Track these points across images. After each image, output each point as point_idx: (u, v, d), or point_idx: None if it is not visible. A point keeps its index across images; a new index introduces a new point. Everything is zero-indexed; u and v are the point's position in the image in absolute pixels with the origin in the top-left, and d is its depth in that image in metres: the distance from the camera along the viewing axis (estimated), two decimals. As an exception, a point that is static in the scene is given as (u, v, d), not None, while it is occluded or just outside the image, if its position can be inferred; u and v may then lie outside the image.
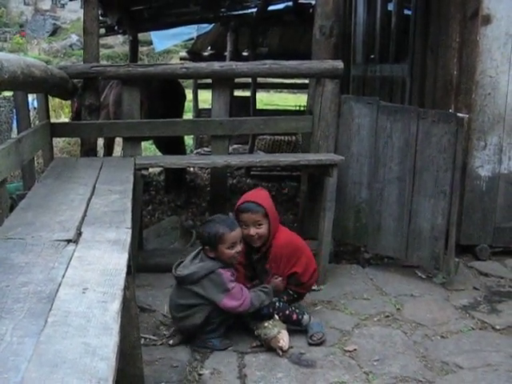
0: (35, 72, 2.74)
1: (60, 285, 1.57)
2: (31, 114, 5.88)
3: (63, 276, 1.64)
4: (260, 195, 3.44)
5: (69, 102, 8.68)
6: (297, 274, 3.39)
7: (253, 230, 3.30)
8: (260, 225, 3.31)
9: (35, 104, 6.87)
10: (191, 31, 11.40)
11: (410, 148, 4.11)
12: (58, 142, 9.28)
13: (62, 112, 12.69)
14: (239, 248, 3.20)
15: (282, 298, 3.36)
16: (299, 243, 3.51)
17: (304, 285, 3.47)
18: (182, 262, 3.27)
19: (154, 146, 8.79)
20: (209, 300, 3.10)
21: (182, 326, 3.23)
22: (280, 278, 3.36)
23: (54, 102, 11.25)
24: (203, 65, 4.40)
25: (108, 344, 1.24)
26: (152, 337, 3.27)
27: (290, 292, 3.44)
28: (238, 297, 3.12)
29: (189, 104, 10.14)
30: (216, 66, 4.30)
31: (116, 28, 9.56)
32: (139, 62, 11.43)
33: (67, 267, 1.71)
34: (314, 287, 3.66)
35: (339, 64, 4.26)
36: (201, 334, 3.18)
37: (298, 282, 3.43)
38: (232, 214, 4.82)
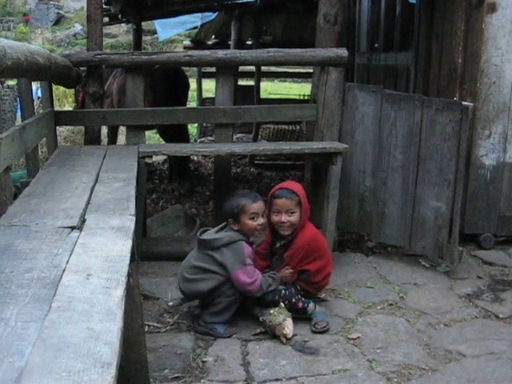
0: (39, 59, 2.73)
1: (64, 271, 1.58)
2: (35, 103, 5.88)
3: (67, 262, 1.64)
4: (295, 185, 3.49)
5: (73, 91, 8.66)
6: (309, 271, 3.40)
7: (284, 217, 3.33)
8: (292, 213, 3.34)
9: (39, 93, 6.86)
10: (195, 20, 11.34)
11: (414, 136, 4.10)
12: (62, 131, 9.28)
13: (66, 101, 12.67)
14: (261, 221, 3.25)
15: (289, 288, 3.36)
16: (323, 244, 3.53)
17: (314, 284, 3.47)
18: (207, 230, 3.33)
19: (158, 135, 8.79)
20: (224, 268, 3.13)
21: (186, 289, 3.25)
22: (291, 270, 3.37)
23: (58, 91, 11.23)
24: (207, 53, 4.38)
25: (112, 329, 1.24)
26: (156, 324, 3.28)
27: (298, 287, 3.43)
28: (251, 274, 3.15)
29: (192, 93, 10.12)
30: (220, 53, 4.29)
31: (119, 16, 9.53)
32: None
33: (71, 254, 1.71)
34: (319, 295, 3.64)
35: (344, 52, 4.25)
36: (205, 316, 3.20)
37: (309, 280, 3.44)
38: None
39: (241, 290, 3.17)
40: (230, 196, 3.41)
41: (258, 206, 3.25)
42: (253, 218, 3.22)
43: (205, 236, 3.26)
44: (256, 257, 3.39)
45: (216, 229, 3.33)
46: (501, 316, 3.48)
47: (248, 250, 3.19)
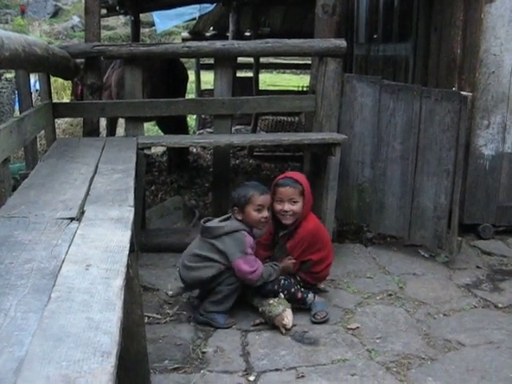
0: (37, 50, 2.73)
1: (63, 261, 1.57)
2: (33, 96, 5.86)
3: (66, 253, 1.64)
4: (299, 175, 3.52)
5: (71, 84, 8.62)
6: (311, 261, 3.41)
7: (287, 206, 3.34)
8: (295, 202, 3.35)
9: (37, 86, 6.84)
10: (193, 11, 11.30)
11: (413, 127, 4.10)
12: (61, 124, 9.27)
13: (64, 94, 12.63)
14: (266, 214, 3.25)
15: (289, 278, 3.37)
16: (325, 235, 3.55)
17: (315, 274, 3.48)
18: (211, 219, 3.36)
19: (156, 128, 8.78)
20: (225, 256, 3.14)
21: (187, 276, 3.26)
22: (293, 261, 3.38)
23: (56, 83, 11.20)
24: (205, 43, 4.36)
25: (111, 319, 1.24)
26: (155, 315, 3.29)
27: (298, 279, 3.44)
28: (252, 263, 3.16)
29: (191, 85, 10.08)
30: (218, 44, 4.28)
31: (117, 8, 9.49)
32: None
33: (70, 244, 1.71)
34: (320, 286, 3.63)
35: (342, 42, 4.24)
36: (205, 304, 3.21)
37: (309, 270, 3.44)
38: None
39: (241, 278, 3.18)
40: (239, 185, 3.43)
41: (265, 198, 3.26)
42: (258, 210, 3.23)
43: (208, 224, 3.27)
44: (258, 247, 3.40)
45: (220, 218, 3.35)
46: (500, 306, 3.49)
47: (250, 239, 3.20)
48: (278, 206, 3.36)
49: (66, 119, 9.44)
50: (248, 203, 3.22)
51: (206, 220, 3.35)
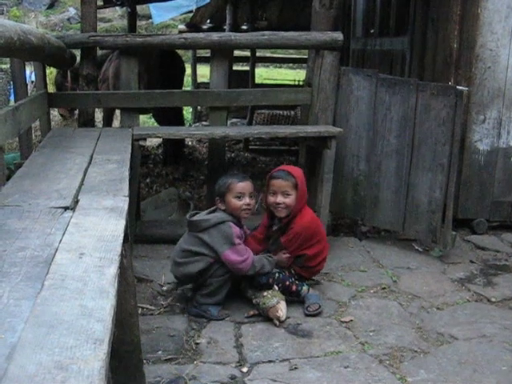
0: (32, 39, 2.71)
1: (57, 250, 1.57)
2: (29, 87, 5.84)
3: (60, 241, 1.63)
4: (295, 169, 3.51)
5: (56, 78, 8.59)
6: (306, 255, 3.40)
7: (280, 198, 3.33)
8: (288, 195, 3.34)
9: (33, 77, 6.82)
10: (190, 3, 11.23)
11: (408, 121, 4.10)
12: (56, 116, 9.23)
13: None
14: (247, 201, 3.24)
15: (283, 271, 3.37)
16: (320, 229, 3.54)
17: (309, 269, 3.48)
18: (197, 213, 3.35)
19: (152, 120, 8.76)
20: (213, 249, 3.13)
21: (177, 272, 3.27)
22: (288, 255, 3.38)
23: (52, 75, 11.15)
24: (202, 35, 4.35)
25: (104, 307, 1.24)
26: (149, 306, 3.29)
27: (293, 272, 3.44)
28: (241, 253, 3.16)
29: (187, 78, 10.07)
30: (214, 36, 4.26)
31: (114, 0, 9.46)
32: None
33: (64, 233, 1.70)
34: (313, 278, 3.65)
35: (339, 35, 4.23)
36: (197, 297, 3.21)
37: (304, 264, 3.45)
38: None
39: (232, 269, 3.18)
40: (220, 176, 3.45)
41: (244, 185, 3.26)
42: (238, 198, 3.23)
43: (194, 218, 3.27)
44: (252, 240, 3.41)
45: (206, 211, 3.35)
46: (493, 300, 3.50)
47: (236, 230, 3.19)
48: (271, 198, 3.36)
49: (62, 111, 9.39)
50: (227, 191, 3.23)
51: (192, 214, 3.34)
